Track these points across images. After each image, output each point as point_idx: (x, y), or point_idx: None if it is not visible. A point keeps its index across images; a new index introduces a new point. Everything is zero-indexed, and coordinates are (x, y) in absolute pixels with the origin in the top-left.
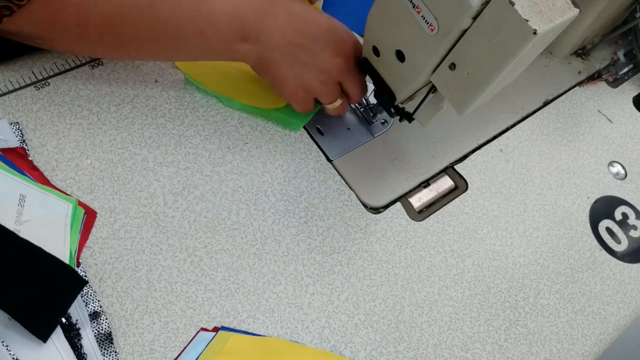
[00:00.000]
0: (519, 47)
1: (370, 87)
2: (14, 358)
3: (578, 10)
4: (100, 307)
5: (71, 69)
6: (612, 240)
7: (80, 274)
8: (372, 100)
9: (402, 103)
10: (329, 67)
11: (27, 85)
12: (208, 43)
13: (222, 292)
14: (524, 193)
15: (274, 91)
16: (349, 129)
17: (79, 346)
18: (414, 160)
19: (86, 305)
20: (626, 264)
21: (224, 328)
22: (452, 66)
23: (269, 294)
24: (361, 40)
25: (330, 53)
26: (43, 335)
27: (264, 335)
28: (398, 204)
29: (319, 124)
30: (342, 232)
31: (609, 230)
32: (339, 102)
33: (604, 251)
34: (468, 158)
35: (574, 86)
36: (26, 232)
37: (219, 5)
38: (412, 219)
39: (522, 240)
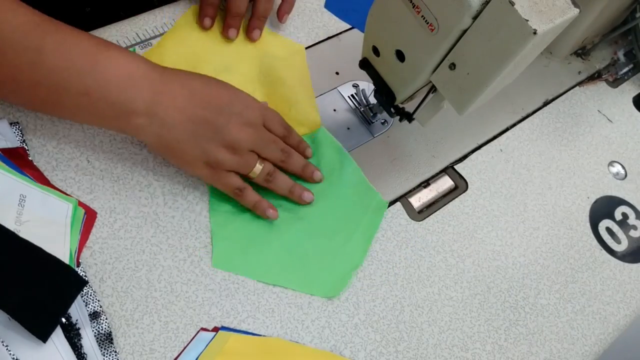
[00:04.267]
0: (519, 47)
1: (370, 87)
2: (14, 358)
3: (578, 10)
4: (100, 307)
5: None
6: (612, 240)
7: (80, 274)
8: (372, 100)
9: (402, 103)
10: (237, 139)
11: None
12: (94, 106)
13: (222, 292)
14: (524, 193)
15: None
16: (349, 129)
17: (79, 346)
18: (414, 160)
19: (86, 305)
20: (626, 264)
21: (224, 328)
22: (452, 66)
23: (269, 294)
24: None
25: (237, 125)
26: (43, 335)
27: (264, 335)
28: (398, 204)
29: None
30: None
31: (609, 230)
32: (259, 168)
33: (604, 251)
34: (468, 158)
35: (574, 86)
36: (26, 232)
37: (113, 68)
38: (412, 219)
39: (522, 240)
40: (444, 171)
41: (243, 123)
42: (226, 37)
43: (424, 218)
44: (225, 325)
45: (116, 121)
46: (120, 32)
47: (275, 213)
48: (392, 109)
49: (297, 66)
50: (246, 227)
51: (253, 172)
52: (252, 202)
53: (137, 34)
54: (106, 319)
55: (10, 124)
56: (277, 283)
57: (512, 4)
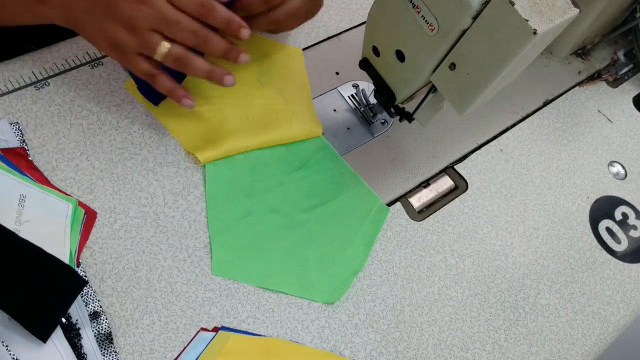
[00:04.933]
0: (519, 47)
1: (370, 87)
2: (14, 358)
3: (578, 10)
4: (100, 307)
5: (71, 69)
6: (612, 240)
7: (80, 274)
8: (372, 100)
9: (402, 103)
10: (130, 16)
11: (27, 85)
12: (5, 3)
13: (222, 292)
14: (524, 193)
15: None
16: (349, 128)
17: (79, 346)
18: (414, 160)
19: (86, 305)
20: (626, 264)
21: (224, 328)
22: (452, 66)
23: (269, 294)
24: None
25: (129, 2)
26: (43, 335)
27: (264, 335)
28: (398, 204)
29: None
30: None
31: (609, 230)
32: (164, 47)
33: (604, 251)
34: (468, 158)
35: (574, 86)
36: (26, 232)
37: None
38: (412, 219)
39: (522, 240)
40: (444, 171)
41: (137, 1)
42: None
43: (424, 218)
44: (225, 325)
45: (28, 14)
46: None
47: (188, 101)
48: (392, 109)
49: (295, 71)
50: (245, 234)
51: (157, 54)
52: (165, 89)
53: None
54: (106, 319)
55: (10, 124)
56: (277, 289)
57: (512, 4)
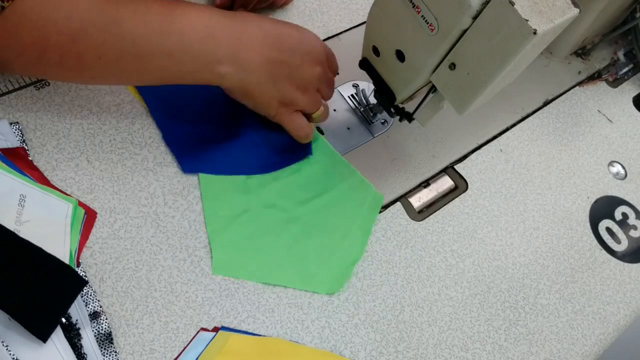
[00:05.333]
0: (519, 47)
1: (370, 87)
2: (14, 358)
3: (578, 10)
4: (100, 307)
5: None
6: (612, 240)
7: (80, 274)
8: (372, 100)
9: (402, 103)
10: (310, 77)
11: (27, 85)
12: (179, 64)
13: (222, 292)
14: (524, 193)
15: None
16: (349, 128)
17: (79, 346)
18: (414, 160)
19: (86, 305)
20: (626, 264)
21: (224, 328)
22: (452, 66)
23: (269, 294)
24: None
25: (309, 63)
26: (43, 335)
27: (264, 335)
28: (398, 204)
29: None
30: None
31: (609, 230)
32: (322, 109)
33: (604, 251)
34: (468, 158)
35: (574, 86)
36: (26, 233)
37: (189, 24)
38: (412, 219)
39: (522, 240)
40: (444, 171)
41: (314, 62)
42: None
43: (424, 218)
44: (225, 325)
45: (201, 73)
46: None
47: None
48: (392, 109)
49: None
50: (243, 231)
51: (317, 112)
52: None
53: None
54: (106, 319)
55: (10, 124)
56: (279, 283)
57: (512, 4)
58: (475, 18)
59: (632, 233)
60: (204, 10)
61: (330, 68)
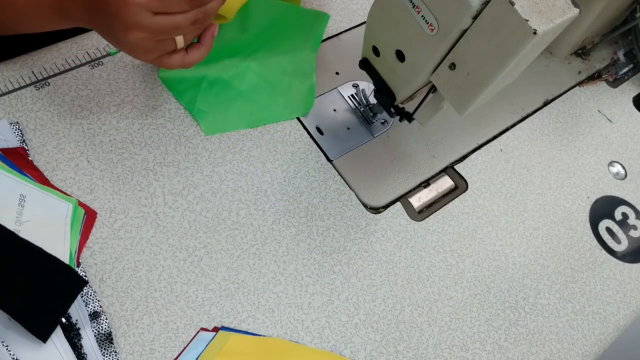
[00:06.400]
0: (519, 47)
1: (370, 87)
2: (14, 358)
3: (578, 10)
4: (100, 307)
5: (71, 69)
6: (612, 240)
7: (80, 274)
8: (372, 100)
9: (402, 103)
10: (134, 42)
11: (27, 85)
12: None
13: (222, 292)
14: (524, 193)
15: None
16: (349, 128)
17: (79, 346)
18: (414, 160)
19: (86, 305)
20: (626, 264)
21: (224, 328)
22: (452, 66)
23: (269, 294)
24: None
25: (123, 32)
26: (43, 335)
27: (264, 335)
28: (398, 204)
29: (318, 123)
30: (342, 232)
31: (609, 230)
32: (180, 40)
33: (604, 251)
34: (468, 158)
35: (574, 86)
36: (26, 232)
37: None
38: (412, 219)
39: (522, 240)
40: (444, 171)
41: (125, 28)
42: None
43: (424, 218)
44: (225, 325)
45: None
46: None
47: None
48: (392, 109)
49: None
50: (211, 91)
51: (179, 46)
52: (198, 59)
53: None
54: (106, 319)
55: (10, 124)
56: (263, 122)
57: (512, 4)
58: (475, 18)
59: (632, 233)
60: None
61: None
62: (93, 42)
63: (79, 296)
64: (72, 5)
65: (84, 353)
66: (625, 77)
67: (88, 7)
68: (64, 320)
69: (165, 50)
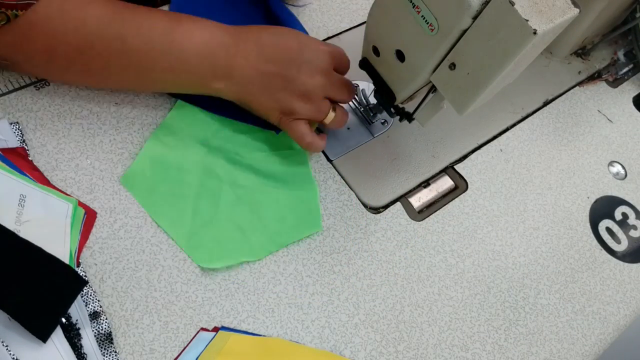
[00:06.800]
0: (519, 47)
1: (370, 87)
2: (14, 358)
3: (578, 10)
4: (100, 307)
5: None
6: (612, 240)
7: (80, 274)
8: (372, 100)
9: (402, 103)
10: (309, 88)
11: (27, 85)
12: (179, 78)
13: (222, 292)
14: (524, 193)
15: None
16: (349, 128)
17: (79, 346)
18: (414, 160)
19: (86, 305)
20: (626, 264)
21: (224, 328)
22: (452, 66)
23: (269, 294)
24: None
25: (307, 74)
26: (43, 335)
27: (264, 335)
28: (398, 204)
29: (318, 124)
30: (342, 232)
31: (609, 230)
32: (332, 114)
33: (604, 251)
34: (468, 158)
35: (574, 86)
36: (26, 232)
37: (190, 43)
38: (412, 219)
39: (522, 240)
40: (444, 171)
41: (313, 71)
42: None
43: (424, 218)
44: (225, 325)
45: (199, 88)
46: None
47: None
48: (392, 109)
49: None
50: (207, 221)
51: (327, 119)
52: (318, 149)
53: None
54: (106, 319)
55: (10, 124)
56: (268, 253)
57: (512, 4)
58: (475, 18)
59: (632, 233)
60: (206, 28)
61: (339, 69)
62: None
63: (79, 296)
64: (239, 64)
65: (84, 353)
66: (625, 77)
67: (271, 58)
68: (64, 320)
69: (321, 112)
